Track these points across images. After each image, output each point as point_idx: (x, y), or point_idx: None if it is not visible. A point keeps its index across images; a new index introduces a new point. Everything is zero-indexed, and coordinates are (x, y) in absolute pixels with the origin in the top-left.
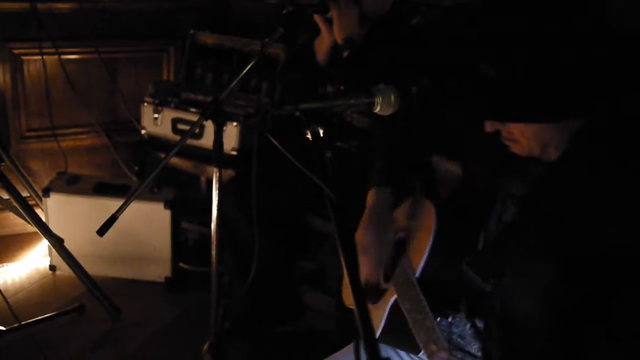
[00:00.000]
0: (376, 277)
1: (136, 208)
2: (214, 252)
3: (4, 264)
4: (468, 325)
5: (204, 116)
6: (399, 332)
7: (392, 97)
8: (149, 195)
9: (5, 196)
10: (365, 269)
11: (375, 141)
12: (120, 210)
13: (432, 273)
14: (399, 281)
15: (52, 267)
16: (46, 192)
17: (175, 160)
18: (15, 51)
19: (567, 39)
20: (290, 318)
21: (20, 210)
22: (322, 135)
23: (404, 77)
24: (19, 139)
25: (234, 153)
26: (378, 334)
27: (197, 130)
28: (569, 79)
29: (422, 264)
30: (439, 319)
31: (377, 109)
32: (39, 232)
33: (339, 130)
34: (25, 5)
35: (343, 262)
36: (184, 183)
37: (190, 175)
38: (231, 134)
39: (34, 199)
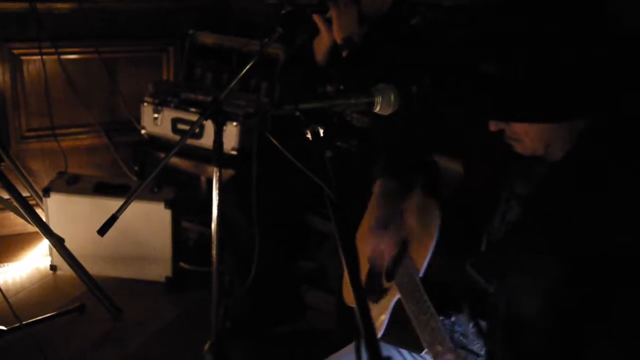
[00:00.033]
0: (393, 253)
1: (136, 208)
2: (214, 252)
3: (5, 264)
4: (471, 324)
5: (204, 116)
6: (402, 331)
7: (392, 97)
8: (149, 195)
9: (6, 196)
10: (384, 246)
11: (375, 141)
12: (121, 210)
13: (435, 273)
14: (402, 281)
15: (53, 267)
16: (46, 192)
17: (175, 160)
18: (15, 51)
19: (570, 38)
20: (291, 317)
21: (21, 210)
22: (321, 134)
23: (404, 76)
24: (19, 139)
25: (234, 153)
26: (381, 333)
27: (197, 130)
28: (573, 79)
29: (425, 264)
30: (441, 318)
31: (377, 109)
32: (40, 232)
33: (338, 129)
34: (25, 5)
35: (343, 261)
36: (184, 183)
37: (191, 175)
38: (231, 133)
39: (34, 199)
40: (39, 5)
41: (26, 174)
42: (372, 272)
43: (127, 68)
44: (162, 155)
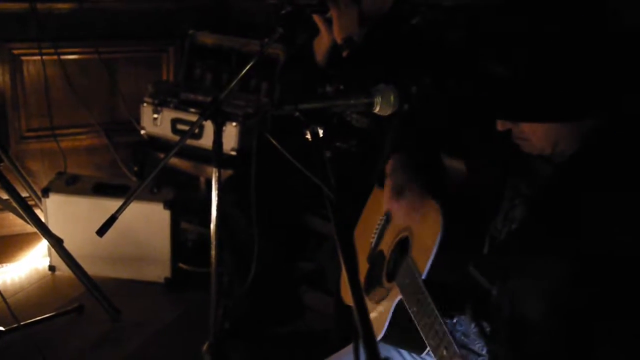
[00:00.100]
0: (419, 212)
1: (136, 208)
2: (213, 253)
3: (4, 264)
4: (472, 324)
5: (204, 116)
6: (403, 332)
7: (392, 97)
8: (149, 196)
9: (5, 196)
10: (400, 212)
11: (376, 141)
12: (120, 210)
13: (437, 274)
14: (404, 282)
15: (52, 268)
16: (45, 192)
17: (174, 161)
18: (15, 51)
19: (573, 38)
20: (290, 318)
21: (20, 211)
22: (321, 135)
23: (404, 77)
24: (18, 139)
25: (234, 153)
26: (382, 334)
27: (196, 131)
28: (580, 78)
29: (428, 266)
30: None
31: (377, 109)
32: (39, 233)
33: (338, 130)
34: (25, 5)
35: (342, 262)
36: (183, 183)
37: (190, 176)
38: (231, 134)
39: (33, 199)
40: (39, 6)
41: (25, 175)
42: (371, 272)
43: (126, 68)
44: (162, 155)
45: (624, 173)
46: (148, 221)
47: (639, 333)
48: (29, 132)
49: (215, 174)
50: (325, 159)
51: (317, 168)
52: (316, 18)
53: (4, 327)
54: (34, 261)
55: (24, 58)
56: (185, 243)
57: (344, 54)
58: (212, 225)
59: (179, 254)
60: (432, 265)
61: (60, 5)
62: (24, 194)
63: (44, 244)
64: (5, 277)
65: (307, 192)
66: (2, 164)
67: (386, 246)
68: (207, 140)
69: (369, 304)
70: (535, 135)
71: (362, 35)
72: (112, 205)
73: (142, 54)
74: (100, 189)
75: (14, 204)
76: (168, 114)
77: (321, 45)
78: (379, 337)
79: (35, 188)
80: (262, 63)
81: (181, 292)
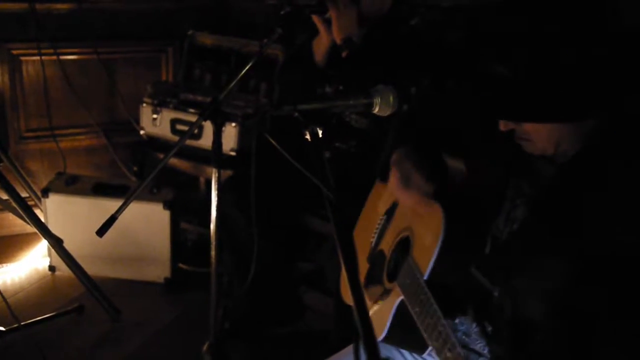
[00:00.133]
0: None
1: (135, 208)
2: (213, 253)
3: (4, 265)
4: (474, 324)
5: (203, 117)
6: (404, 332)
7: (391, 98)
8: (148, 196)
9: (5, 197)
10: (407, 200)
11: (376, 141)
12: (120, 210)
13: (439, 275)
14: (405, 282)
15: (52, 268)
16: (45, 192)
17: (174, 161)
18: (14, 52)
19: (575, 37)
20: (289, 318)
21: (20, 211)
22: (320, 135)
23: (403, 77)
24: (17, 140)
25: (233, 154)
26: (384, 335)
27: (196, 131)
28: (582, 78)
29: (430, 266)
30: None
31: (376, 110)
32: (38, 233)
33: (337, 130)
34: (24, 5)
35: (342, 262)
36: (183, 183)
37: (189, 176)
38: (230, 134)
39: (33, 200)
40: (38, 6)
41: (25, 175)
42: (372, 272)
43: (126, 69)
44: (161, 155)
45: (625, 173)
46: (148, 221)
47: None
48: (28, 132)
49: (215, 174)
50: (325, 159)
51: (316, 168)
52: (315, 19)
53: (4, 327)
54: (34, 261)
55: (23, 58)
56: (185, 243)
57: (343, 54)
58: (212, 226)
59: (178, 254)
60: (433, 266)
61: (59, 6)
62: (24, 194)
63: (43, 244)
64: (6, 277)
65: (307, 193)
66: (1, 164)
67: (387, 246)
68: (206, 141)
69: (370, 304)
70: (538, 136)
71: (361, 35)
72: (111, 205)
73: (141, 54)
74: (100, 189)
75: (14, 204)
76: (167, 114)
77: (320, 46)
78: (380, 338)
79: (35, 188)
80: (261, 63)
81: (181, 292)
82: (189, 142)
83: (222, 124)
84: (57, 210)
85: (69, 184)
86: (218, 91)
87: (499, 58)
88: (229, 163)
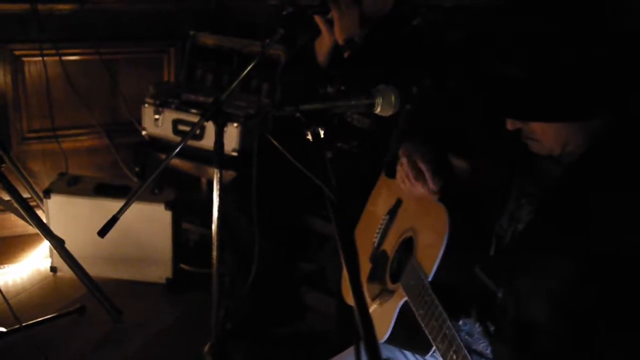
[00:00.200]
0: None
1: (137, 209)
2: (214, 253)
3: (5, 265)
4: (477, 324)
5: (205, 117)
6: (407, 334)
7: (393, 98)
8: (150, 196)
9: (6, 197)
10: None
11: (378, 141)
12: (121, 211)
13: (443, 276)
14: (409, 283)
15: (53, 269)
16: (47, 193)
17: (176, 161)
18: (16, 52)
19: (588, 37)
20: (291, 319)
21: (21, 212)
22: (322, 135)
23: (405, 77)
24: (20, 140)
25: (235, 154)
26: (387, 336)
27: (197, 131)
28: (592, 78)
29: (434, 267)
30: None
31: (378, 110)
32: (40, 234)
33: (339, 130)
34: (26, 6)
35: (343, 262)
36: (184, 184)
37: (191, 176)
38: (232, 135)
39: (34, 200)
40: (40, 7)
41: (27, 175)
42: (374, 272)
43: (128, 69)
44: (163, 156)
45: (632, 172)
46: (149, 222)
47: None
48: (31, 133)
49: (217, 174)
50: (326, 159)
51: (318, 169)
52: (317, 19)
53: (5, 328)
54: (35, 262)
55: (25, 59)
56: (187, 244)
57: (345, 55)
58: (214, 226)
59: (180, 254)
60: (438, 267)
61: (61, 6)
62: (26, 195)
63: (45, 245)
64: (7, 278)
65: (308, 193)
66: (3, 165)
67: (389, 246)
68: (208, 141)
69: (372, 304)
70: (545, 135)
71: (363, 36)
72: (113, 206)
73: (143, 54)
74: (102, 190)
75: (16, 205)
76: (169, 115)
77: (322, 46)
78: (383, 339)
79: (37, 189)
80: (263, 64)
81: (182, 292)
82: (190, 142)
83: (224, 125)
84: (58, 210)
85: (70, 185)
86: (220, 92)
87: (506, 58)
88: (231, 163)
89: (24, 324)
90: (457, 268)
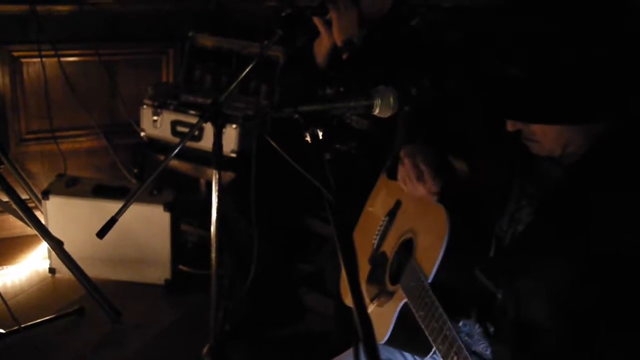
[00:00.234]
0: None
1: (136, 210)
2: (213, 255)
3: (4, 267)
4: (477, 325)
5: (204, 118)
6: (407, 336)
7: (391, 99)
8: (149, 198)
9: (5, 199)
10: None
11: (376, 142)
12: (120, 212)
13: (443, 277)
14: (409, 285)
15: (52, 270)
16: (45, 194)
17: (174, 163)
18: (15, 53)
19: (592, 39)
20: (290, 320)
21: (20, 213)
22: (321, 137)
23: (404, 78)
24: (18, 142)
25: (234, 155)
26: (386, 338)
27: (196, 133)
28: (597, 80)
29: (435, 268)
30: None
31: (376, 111)
32: (39, 235)
33: (338, 132)
34: (25, 7)
35: (342, 264)
36: (183, 185)
37: (190, 178)
38: (230, 136)
39: (33, 202)
40: (39, 8)
41: (25, 177)
42: (373, 274)
43: (126, 70)
44: (162, 157)
45: (633, 173)
46: (148, 223)
47: None
48: (29, 134)
49: (215, 176)
50: (325, 161)
51: (316, 170)
52: (316, 20)
53: (4, 330)
54: (34, 263)
55: (23, 60)
56: (186, 245)
57: (344, 56)
58: (212, 227)
59: (179, 256)
60: (437, 268)
61: (60, 7)
62: (24, 196)
63: (44, 246)
64: (6, 280)
65: (307, 194)
66: (2, 166)
67: (389, 248)
68: (207, 142)
69: (372, 306)
70: (546, 137)
71: (362, 37)
72: (112, 207)
73: (142, 56)
74: (100, 191)
75: (14, 206)
76: (168, 116)
77: (321, 48)
78: (383, 340)
79: (35, 190)
80: (262, 65)
81: (181, 294)
82: (189, 143)
83: (223, 126)
84: (57, 212)
85: (69, 186)
86: (219, 93)
87: (507, 58)
88: (230, 165)
89: (22, 325)
90: (456, 269)
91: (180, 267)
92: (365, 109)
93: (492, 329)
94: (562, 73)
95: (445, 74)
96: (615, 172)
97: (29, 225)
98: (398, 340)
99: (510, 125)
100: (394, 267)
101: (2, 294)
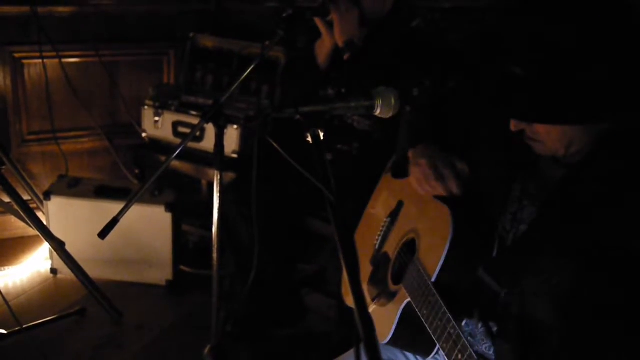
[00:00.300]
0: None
1: (137, 211)
2: (215, 255)
3: (6, 268)
4: (480, 325)
5: (205, 119)
6: (410, 336)
7: (392, 100)
8: (150, 198)
9: (7, 199)
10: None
11: (378, 143)
12: (122, 213)
13: (447, 277)
14: (413, 285)
15: (54, 271)
16: (47, 195)
17: (176, 164)
18: (16, 55)
19: (598, 40)
20: (291, 320)
21: (22, 214)
22: (322, 137)
23: (405, 79)
24: (20, 143)
25: (235, 156)
26: (389, 338)
27: (197, 134)
28: (601, 80)
29: (438, 268)
30: None
31: (377, 112)
32: (40, 236)
33: (339, 132)
34: (26, 9)
35: (343, 264)
36: (185, 186)
37: (191, 178)
38: (232, 137)
39: (35, 202)
40: (40, 9)
41: (27, 178)
42: (376, 274)
43: (128, 71)
44: (163, 158)
45: (635, 173)
46: (150, 224)
47: None
48: (31, 135)
49: (217, 176)
50: (326, 161)
51: (318, 170)
52: (317, 21)
53: (6, 330)
54: (36, 264)
55: (25, 61)
56: (187, 245)
57: (345, 56)
58: (214, 228)
59: (180, 256)
60: (442, 269)
61: (61, 9)
62: (26, 197)
63: (45, 247)
64: (7, 280)
65: (309, 195)
66: (3, 167)
67: (391, 248)
68: (208, 143)
69: (374, 306)
70: (549, 137)
71: (363, 37)
72: (113, 208)
73: (143, 57)
74: (102, 192)
75: (16, 207)
76: (169, 117)
77: (322, 48)
78: (385, 340)
79: (37, 191)
80: (263, 66)
81: (183, 294)
82: (190, 144)
83: (224, 127)
84: (59, 212)
85: (71, 187)
86: (220, 93)
87: (512, 58)
88: (231, 165)
89: (24, 326)
90: (460, 269)
91: (182, 267)
92: (367, 110)
93: (495, 328)
94: (566, 73)
95: (446, 75)
96: (618, 172)
97: (30, 226)
98: (401, 340)
99: (514, 125)
100: (396, 268)
101: (4, 295)
